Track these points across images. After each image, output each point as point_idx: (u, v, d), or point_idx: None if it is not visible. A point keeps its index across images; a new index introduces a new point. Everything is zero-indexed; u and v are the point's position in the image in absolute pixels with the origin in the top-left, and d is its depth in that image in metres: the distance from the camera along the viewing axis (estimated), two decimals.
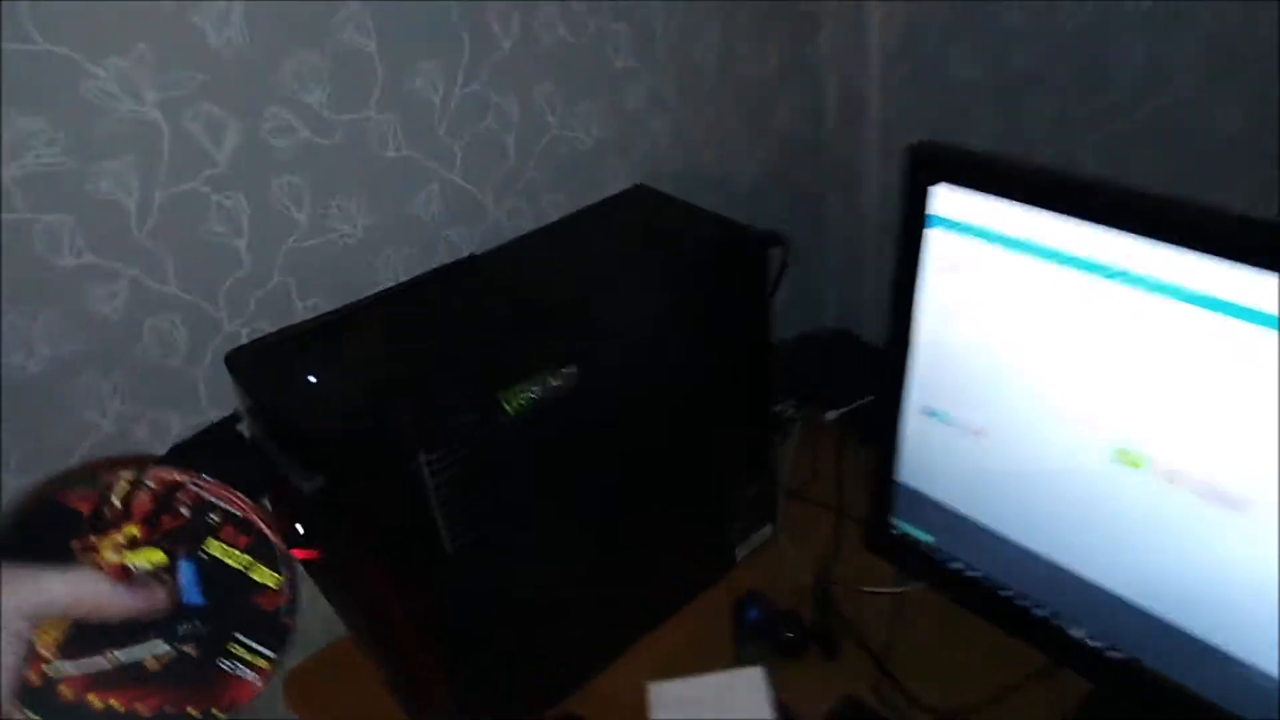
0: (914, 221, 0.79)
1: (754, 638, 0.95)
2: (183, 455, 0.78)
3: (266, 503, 0.57)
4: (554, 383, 0.79)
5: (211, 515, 0.50)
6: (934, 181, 0.76)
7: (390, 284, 0.98)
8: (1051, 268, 0.69)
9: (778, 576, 1.08)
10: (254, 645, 0.50)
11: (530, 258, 0.92)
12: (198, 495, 0.50)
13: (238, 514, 0.51)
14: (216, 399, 0.91)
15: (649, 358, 0.86)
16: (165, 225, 0.82)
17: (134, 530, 0.48)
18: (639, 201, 1.01)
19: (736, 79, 1.19)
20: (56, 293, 0.79)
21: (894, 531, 0.94)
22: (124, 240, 0.81)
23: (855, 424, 1.21)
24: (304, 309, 0.94)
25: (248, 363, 0.79)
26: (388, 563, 0.77)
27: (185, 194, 0.82)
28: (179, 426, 0.90)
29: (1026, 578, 0.83)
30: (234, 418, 0.81)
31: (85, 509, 0.48)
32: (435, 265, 0.99)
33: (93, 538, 0.47)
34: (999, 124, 1.14)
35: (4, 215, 0.74)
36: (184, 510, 0.50)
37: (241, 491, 0.69)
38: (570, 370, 0.79)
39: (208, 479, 0.51)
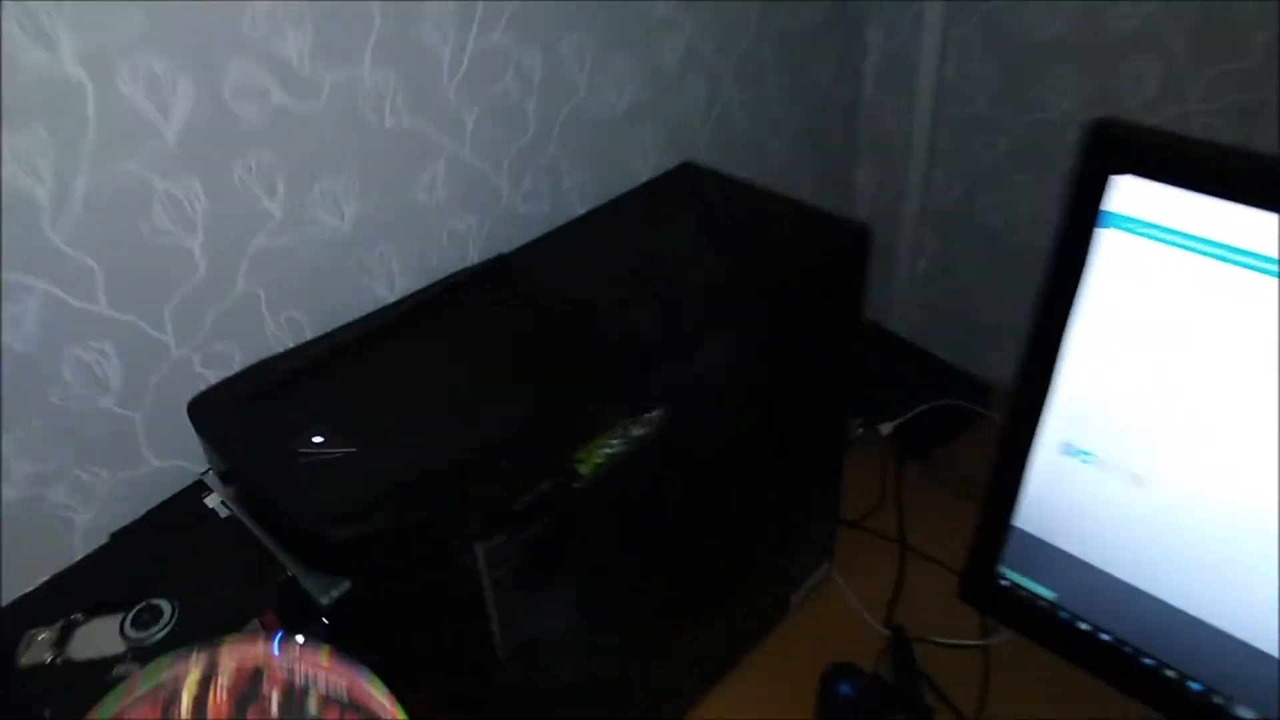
0: (1083, 219, 0.63)
1: (844, 715, 0.79)
2: (132, 541, 0.57)
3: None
4: (636, 431, 0.60)
5: (309, 703, 0.36)
6: (1118, 171, 0.60)
7: (386, 290, 0.77)
8: (1271, 283, 0.55)
9: (838, 626, 0.93)
10: None
11: (574, 259, 0.73)
12: (288, 676, 0.36)
13: (342, 693, 0.37)
14: (162, 448, 0.69)
15: (740, 386, 0.68)
16: (91, 222, 0.59)
17: None
18: (690, 183, 0.82)
19: (778, 31, 1.01)
20: None
21: (1001, 583, 0.80)
22: (33, 244, 0.58)
23: (908, 437, 1.07)
24: (277, 326, 0.72)
25: (220, 415, 0.58)
26: (424, 679, 0.58)
27: (119, 179, 0.60)
28: (111, 485, 0.68)
29: (1184, 648, 0.70)
30: (198, 487, 0.60)
31: None
32: (437, 262, 0.79)
33: None
34: (1083, 92, 0.98)
35: None
36: (274, 699, 0.36)
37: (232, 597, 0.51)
38: (656, 414, 0.61)
39: (301, 646, 0.38)
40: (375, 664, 0.57)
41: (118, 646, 0.51)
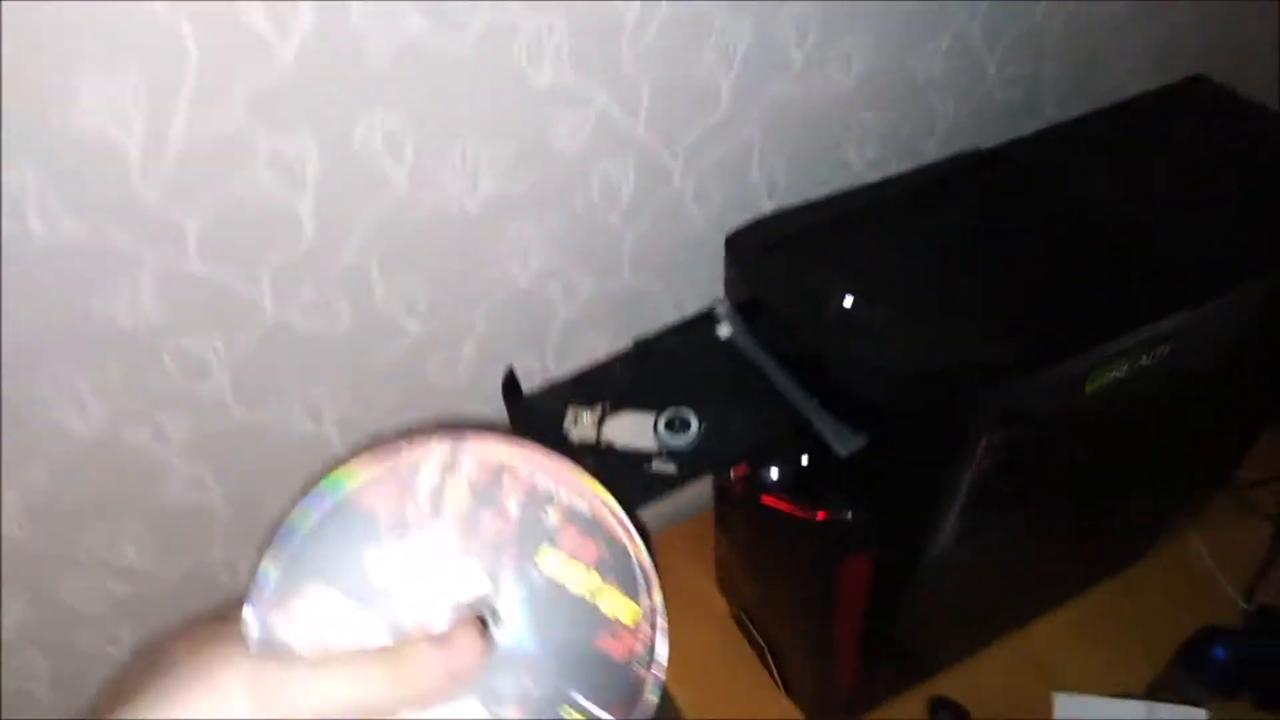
0: None
1: (1203, 676, 0.78)
2: (650, 352, 0.62)
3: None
4: (1143, 362, 0.59)
5: (548, 512, 0.34)
6: None
7: (856, 156, 0.77)
8: None
9: (1188, 585, 0.91)
10: (595, 713, 0.33)
11: (1079, 164, 0.69)
12: (531, 483, 0.34)
13: (584, 510, 0.34)
14: (637, 267, 0.75)
15: (1240, 334, 0.65)
16: (656, 46, 0.62)
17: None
18: (1203, 102, 0.75)
19: None
20: (522, 120, 0.61)
21: None
22: (607, 60, 0.61)
23: None
24: (760, 174, 0.74)
25: (755, 255, 0.61)
26: (872, 537, 0.62)
27: (689, 9, 0.61)
28: (593, 291, 0.74)
29: None
30: (709, 317, 0.64)
31: (384, 507, 0.32)
32: (904, 140, 0.78)
33: (391, 546, 0.32)
34: None
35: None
36: (512, 506, 0.34)
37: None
38: (1166, 349, 0.59)
39: (546, 456, 0.34)
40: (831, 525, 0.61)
41: (651, 443, 0.57)
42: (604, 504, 0.34)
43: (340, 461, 0.31)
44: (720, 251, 0.62)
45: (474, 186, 0.62)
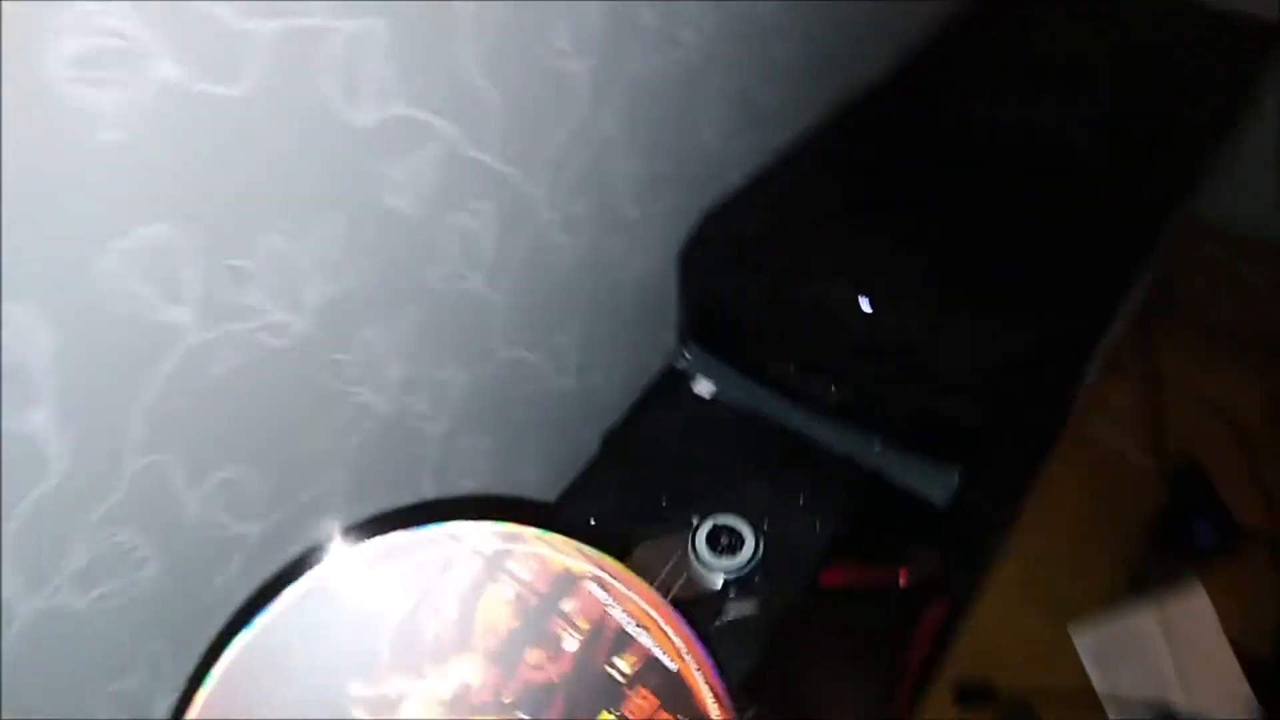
0: None
1: (1190, 551, 0.76)
2: (622, 444, 0.44)
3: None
4: None
5: (620, 663, 0.24)
6: None
7: (711, 133, 0.64)
8: None
9: (1097, 462, 0.90)
10: None
11: (994, 90, 0.61)
12: (601, 611, 0.24)
13: (669, 666, 0.24)
14: (512, 335, 0.56)
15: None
16: (500, 42, 0.44)
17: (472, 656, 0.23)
18: None
19: None
20: (345, 179, 0.40)
21: None
22: (449, 77, 0.42)
23: None
24: (622, 177, 0.58)
25: (724, 270, 0.45)
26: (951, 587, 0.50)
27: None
28: (467, 384, 0.54)
29: None
30: (674, 375, 0.47)
31: (391, 609, 0.23)
32: (748, 98, 0.66)
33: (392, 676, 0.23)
34: None
35: None
36: (569, 640, 0.24)
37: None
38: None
39: (627, 577, 0.25)
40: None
41: (704, 578, 0.40)
42: (699, 663, 0.24)
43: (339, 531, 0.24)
44: (606, 288, 0.46)
45: (297, 298, 0.41)
